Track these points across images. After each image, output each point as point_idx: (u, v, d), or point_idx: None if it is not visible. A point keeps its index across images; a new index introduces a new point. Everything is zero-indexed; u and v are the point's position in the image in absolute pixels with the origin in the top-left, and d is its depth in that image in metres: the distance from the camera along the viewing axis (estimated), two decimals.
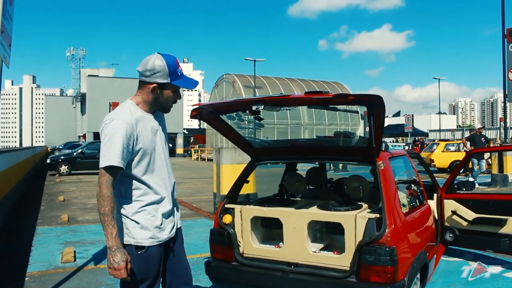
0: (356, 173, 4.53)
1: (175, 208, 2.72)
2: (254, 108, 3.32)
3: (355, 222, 3.48)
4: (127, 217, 2.47)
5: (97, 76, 51.21)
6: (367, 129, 4.07)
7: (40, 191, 14.11)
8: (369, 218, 3.46)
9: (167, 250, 2.66)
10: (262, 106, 3.30)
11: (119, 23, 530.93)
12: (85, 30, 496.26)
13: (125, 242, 2.43)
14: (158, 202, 2.55)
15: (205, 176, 17.77)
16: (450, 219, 5.17)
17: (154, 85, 2.52)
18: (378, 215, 3.47)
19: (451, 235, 5.15)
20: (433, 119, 76.24)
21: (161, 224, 2.55)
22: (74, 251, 5.93)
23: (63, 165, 20.51)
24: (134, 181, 2.49)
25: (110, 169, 2.33)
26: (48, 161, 21.43)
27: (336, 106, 3.54)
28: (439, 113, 61.20)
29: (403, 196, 4.09)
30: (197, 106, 3.73)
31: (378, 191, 4.37)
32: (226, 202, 4.14)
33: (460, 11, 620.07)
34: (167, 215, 2.61)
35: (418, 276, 3.84)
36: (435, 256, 4.65)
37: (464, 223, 5.08)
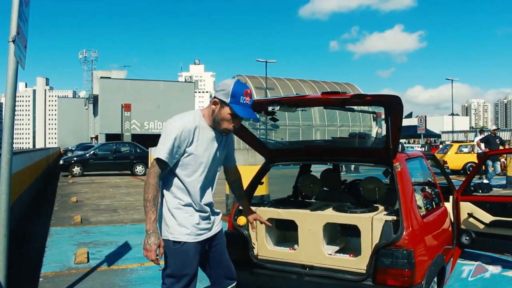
0: (369, 174, 4.47)
1: (212, 214, 2.93)
2: (270, 109, 3.28)
3: (371, 224, 3.43)
4: (168, 211, 2.73)
5: (109, 78, 51.45)
6: (380, 130, 3.99)
7: (53, 192, 14.20)
8: (386, 221, 3.41)
9: (208, 251, 2.90)
10: (278, 107, 3.26)
11: (131, 26, 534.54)
12: (97, 33, 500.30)
13: (163, 237, 2.69)
14: (195, 206, 2.76)
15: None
16: (466, 222, 5.08)
17: (216, 99, 2.73)
18: (395, 218, 3.42)
19: (467, 238, 5.06)
20: (446, 120, 75.65)
21: (198, 224, 2.76)
22: (87, 252, 5.94)
23: (75, 166, 20.62)
24: (179, 181, 2.73)
25: (159, 161, 2.61)
26: (61, 162, 21.57)
27: (352, 107, 3.49)
28: (452, 114, 60.64)
29: (419, 198, 4.03)
30: None
31: (393, 193, 4.31)
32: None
33: (472, 11, 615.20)
34: (204, 218, 2.82)
35: (435, 279, 3.77)
36: (451, 259, 4.58)
37: (481, 226, 4.99)
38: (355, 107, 3.51)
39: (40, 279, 4.92)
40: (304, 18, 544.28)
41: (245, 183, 4.26)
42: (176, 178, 2.74)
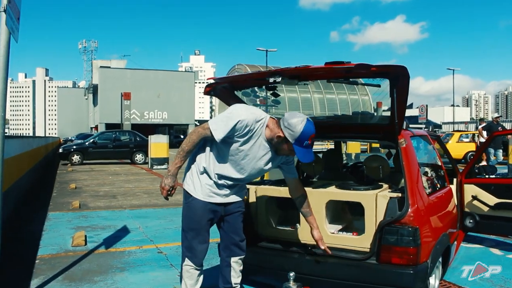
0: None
1: (233, 192, 3.13)
2: (271, 80, 3.16)
3: (375, 201, 3.32)
4: (195, 169, 3.03)
5: (109, 67, 51.26)
6: (381, 104, 3.86)
7: (52, 179, 14.11)
8: (390, 197, 3.30)
9: (223, 216, 3.14)
10: (280, 78, 3.13)
11: (131, 16, 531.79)
12: (97, 23, 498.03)
13: (184, 187, 3.07)
14: (218, 180, 3.00)
15: None
16: (470, 205, 4.99)
17: (282, 135, 2.88)
18: (400, 195, 3.32)
19: (471, 221, 4.97)
20: (447, 111, 75.43)
21: (213, 189, 3.01)
22: (85, 236, 5.85)
23: (75, 155, 20.49)
24: (222, 154, 2.94)
25: (209, 129, 2.83)
26: (60, 150, 21.42)
27: (356, 79, 3.38)
28: (453, 105, 60.41)
29: (424, 177, 3.92)
30: (211, 81, 3.58)
31: (398, 174, 4.21)
32: None
33: (475, 2, 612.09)
34: (221, 194, 3.05)
35: (440, 260, 3.68)
36: (455, 242, 4.48)
37: (485, 209, 4.90)
38: (359, 80, 3.38)
39: (37, 261, 4.83)
40: (305, 8, 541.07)
41: None
42: (215, 149, 2.96)
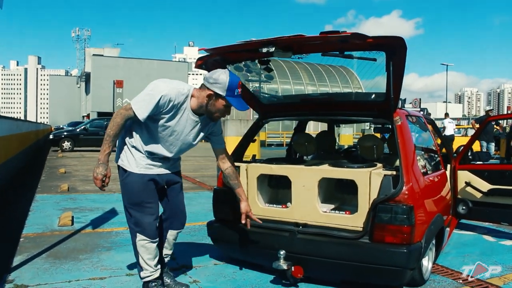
0: None
1: (168, 166, 3.12)
2: (264, 50, 3.04)
3: (369, 179, 3.23)
4: (127, 146, 2.98)
5: (102, 55, 50.78)
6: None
7: (41, 164, 13.93)
8: (385, 175, 3.22)
9: (165, 189, 3.17)
10: (273, 48, 3.02)
11: (126, 5, 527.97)
12: (91, 12, 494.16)
13: (118, 164, 3.02)
14: (151, 155, 2.99)
15: (208, 155, 17.53)
16: (463, 191, 4.92)
17: (211, 92, 2.88)
18: (394, 173, 3.23)
19: (464, 207, 4.90)
20: (439, 107, 75.56)
21: (148, 165, 2.99)
22: (72, 216, 5.73)
23: (65, 141, 20.24)
24: (149, 131, 2.92)
25: (132, 110, 2.80)
26: (51, 136, 21.19)
27: (351, 53, 3.27)
28: (446, 101, 60.54)
29: (419, 157, 3.84)
30: (203, 54, 3.47)
31: (392, 156, 4.13)
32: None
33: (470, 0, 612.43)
34: (157, 165, 3.03)
35: (434, 242, 3.61)
36: (448, 227, 4.41)
37: (478, 195, 4.84)
38: (354, 54, 3.27)
39: (21, 239, 4.70)
40: (300, 2, 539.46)
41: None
42: (148, 128, 2.92)
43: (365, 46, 2.98)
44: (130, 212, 3.03)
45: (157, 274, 3.11)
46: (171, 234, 3.26)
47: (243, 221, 3.31)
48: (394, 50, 2.97)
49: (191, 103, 2.93)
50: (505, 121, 19.65)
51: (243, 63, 3.63)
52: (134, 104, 2.82)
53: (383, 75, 3.27)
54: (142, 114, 2.79)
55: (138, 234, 3.01)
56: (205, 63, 3.55)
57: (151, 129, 2.92)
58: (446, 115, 20.50)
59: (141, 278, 3.14)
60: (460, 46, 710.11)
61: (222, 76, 2.85)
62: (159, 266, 3.15)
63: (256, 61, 3.52)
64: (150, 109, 2.78)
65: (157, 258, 3.11)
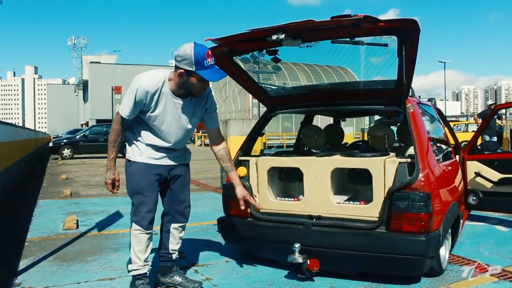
0: None
1: (174, 156, 3.10)
2: (274, 38, 2.96)
3: (384, 167, 3.15)
4: (133, 142, 3.03)
5: (99, 62, 50.72)
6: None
7: (42, 171, 13.83)
8: (400, 163, 3.14)
9: (168, 181, 3.13)
10: (283, 35, 2.93)
11: (121, 13, 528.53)
12: (87, 21, 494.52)
13: (126, 157, 3.06)
14: (154, 147, 3.00)
15: (209, 158, 17.45)
16: (473, 182, 4.84)
17: (181, 71, 2.78)
18: (409, 160, 3.15)
19: (474, 198, 4.81)
20: (437, 105, 75.66)
21: (152, 155, 3.00)
22: (77, 220, 5.64)
23: (65, 149, 20.13)
24: (145, 125, 2.98)
25: (118, 113, 2.90)
26: (51, 144, 21.05)
27: (362, 39, 3.19)
28: (444, 99, 60.59)
29: (431, 145, 3.76)
30: (211, 44, 3.36)
31: (403, 146, 4.05)
32: (240, 154, 3.82)
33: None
34: (162, 156, 3.03)
35: (449, 231, 3.52)
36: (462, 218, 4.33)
37: (489, 185, 4.76)
38: (364, 40, 3.19)
39: (26, 243, 4.61)
40: (294, 3, 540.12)
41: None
42: (138, 124, 2.98)
43: (376, 30, 2.90)
44: (132, 201, 3.03)
45: (145, 270, 3.04)
46: (174, 227, 3.21)
47: (242, 207, 3.21)
48: (406, 34, 2.89)
49: (171, 87, 2.88)
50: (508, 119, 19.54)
51: (250, 54, 3.54)
52: (120, 105, 2.91)
53: (393, 62, 3.20)
54: (125, 113, 2.85)
55: (133, 223, 3.00)
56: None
57: (146, 123, 2.95)
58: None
59: (129, 271, 3.08)
60: (457, 44, 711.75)
61: (187, 51, 2.73)
62: (149, 263, 3.09)
63: (264, 51, 3.44)
64: (131, 105, 2.82)
65: (148, 253, 3.04)
